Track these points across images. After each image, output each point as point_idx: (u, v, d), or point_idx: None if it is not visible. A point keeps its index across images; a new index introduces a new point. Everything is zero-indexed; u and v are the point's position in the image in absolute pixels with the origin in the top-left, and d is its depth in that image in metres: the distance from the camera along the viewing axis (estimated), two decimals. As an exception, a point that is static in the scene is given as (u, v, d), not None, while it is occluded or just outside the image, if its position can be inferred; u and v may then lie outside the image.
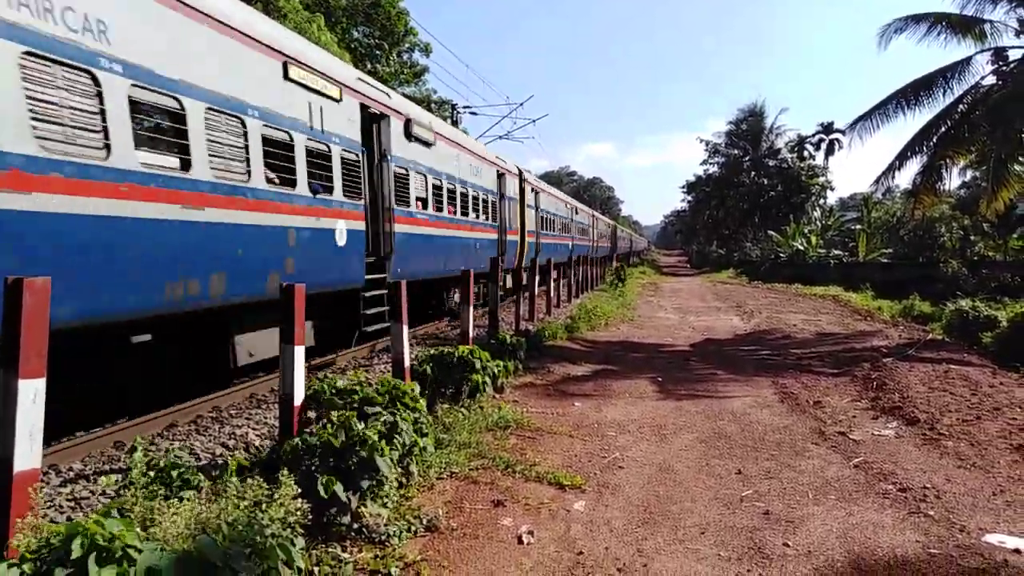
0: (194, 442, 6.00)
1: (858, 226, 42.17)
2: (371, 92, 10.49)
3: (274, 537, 3.03)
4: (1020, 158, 14.55)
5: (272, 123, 7.62)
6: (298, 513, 3.35)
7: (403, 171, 11.51)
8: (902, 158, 16.26)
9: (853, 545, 4.15)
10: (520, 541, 4.18)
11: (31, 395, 3.01)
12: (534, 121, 43.04)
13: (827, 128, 63.60)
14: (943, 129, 15.60)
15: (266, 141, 7.49)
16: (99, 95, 5.35)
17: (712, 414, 7.49)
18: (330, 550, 3.77)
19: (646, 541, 4.21)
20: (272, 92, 7.67)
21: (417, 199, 12.21)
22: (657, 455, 5.99)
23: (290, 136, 8.00)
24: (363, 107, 10.01)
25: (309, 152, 8.41)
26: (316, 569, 3.55)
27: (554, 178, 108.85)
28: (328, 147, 8.91)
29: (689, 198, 71.79)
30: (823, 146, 63.44)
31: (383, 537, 4.04)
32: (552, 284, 18.38)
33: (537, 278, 15.44)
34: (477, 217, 16.27)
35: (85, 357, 6.00)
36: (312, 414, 5.06)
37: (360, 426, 4.32)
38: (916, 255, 35.19)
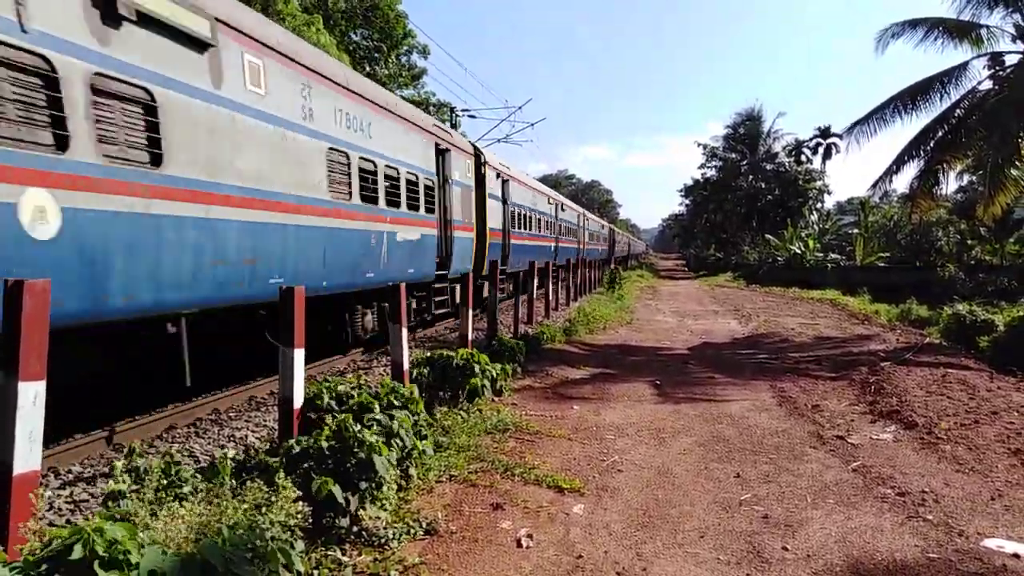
0: (193, 444, 6.00)
1: (855, 230, 42.24)
2: (559, 197, 30.53)
3: (274, 540, 3.02)
4: (1017, 162, 14.58)
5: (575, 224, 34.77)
6: (298, 516, 3.34)
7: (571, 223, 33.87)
8: (899, 162, 16.31)
9: (852, 549, 4.16)
10: (519, 544, 4.18)
11: (31, 397, 3.00)
12: (532, 125, 42.86)
13: (824, 132, 63.81)
14: (940, 134, 15.65)
15: (565, 226, 30.81)
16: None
17: (710, 418, 7.49)
18: (329, 553, 3.77)
19: (645, 545, 4.22)
20: (562, 212, 30.25)
21: (570, 232, 33.03)
22: (656, 459, 6.00)
23: (577, 225, 35.61)
24: (560, 204, 29.38)
25: (575, 228, 33.84)
26: (316, 572, 3.54)
27: (552, 181, 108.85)
28: (577, 227, 35.00)
29: (687, 202, 71.95)
30: (820, 150, 63.64)
31: (382, 540, 4.03)
32: (550, 287, 18.40)
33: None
34: (571, 236, 33.47)
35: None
36: (312, 416, 5.06)
37: (357, 428, 4.32)
38: (913, 259, 35.27)
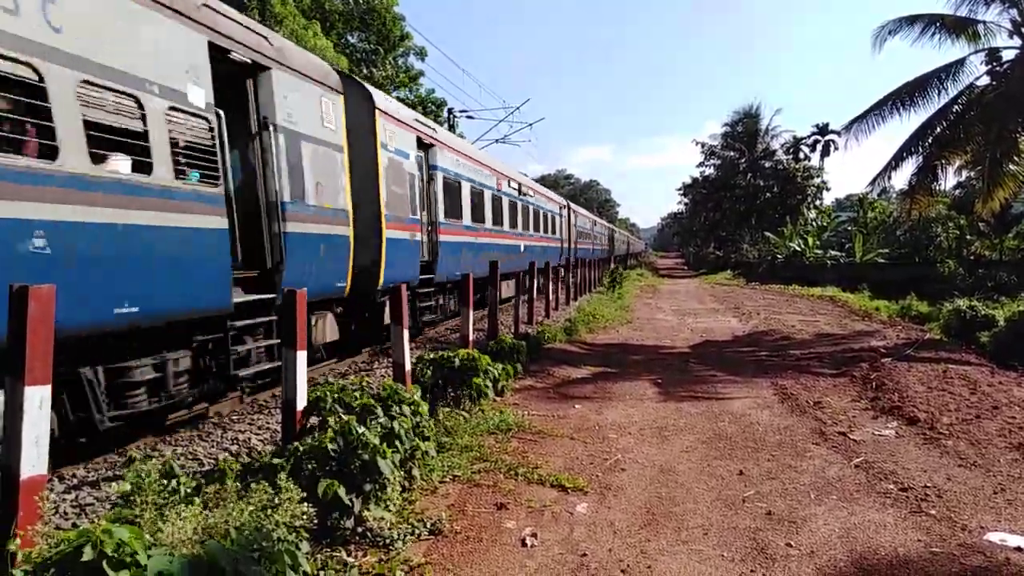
0: (196, 448, 6.01)
1: (853, 227, 42.22)
2: (592, 215, 51.36)
3: (281, 541, 3.04)
4: (1015, 158, 14.60)
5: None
6: (304, 517, 3.35)
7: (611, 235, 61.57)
8: (898, 159, 16.32)
9: (855, 545, 4.18)
10: (524, 544, 4.20)
11: (37, 402, 3.02)
12: (531, 125, 43.13)
13: (822, 129, 63.78)
14: (938, 130, 15.66)
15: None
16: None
17: (712, 415, 7.51)
18: (335, 554, 3.78)
19: (649, 542, 4.23)
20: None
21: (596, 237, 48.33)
22: (658, 457, 6.01)
23: (603, 232, 54.91)
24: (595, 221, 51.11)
25: (602, 235, 52.43)
26: (322, 573, 3.55)
27: (550, 182, 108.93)
28: (603, 233, 53.52)
29: (686, 200, 71.97)
30: (818, 147, 63.63)
31: (387, 541, 4.05)
32: (551, 287, 18.42)
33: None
34: (599, 240, 49.06)
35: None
36: (314, 419, 5.07)
37: (361, 430, 4.34)
38: (913, 255, 35.22)
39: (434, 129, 13.68)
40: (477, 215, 15.89)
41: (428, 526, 4.32)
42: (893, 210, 41.10)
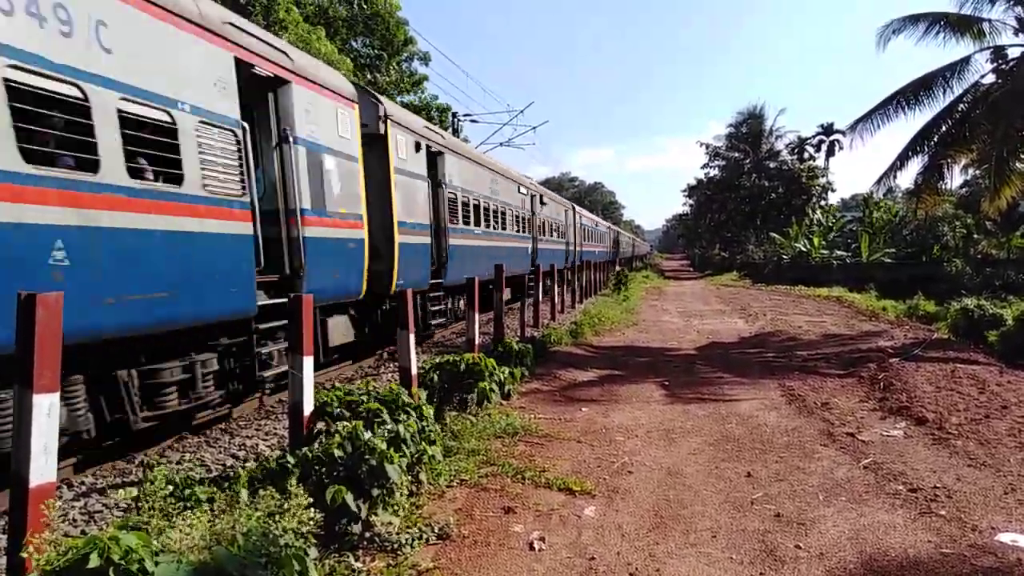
0: (204, 454, 6.02)
1: (859, 227, 42.10)
2: (608, 224, 63.72)
3: (288, 548, 3.04)
4: (1021, 155, 14.54)
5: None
6: (311, 523, 3.35)
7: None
8: (903, 158, 16.27)
9: (865, 546, 4.15)
10: (532, 548, 4.19)
11: (45, 409, 3.03)
12: (535, 128, 43.41)
13: (827, 129, 63.65)
14: (944, 128, 15.62)
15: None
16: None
17: (720, 417, 7.48)
18: (343, 560, 3.78)
19: (658, 545, 4.22)
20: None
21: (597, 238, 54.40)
22: (666, 459, 5.99)
23: (634, 246, 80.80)
24: (617, 236, 63.40)
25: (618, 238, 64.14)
26: (329, 579, 3.56)
27: (555, 184, 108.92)
28: (634, 244, 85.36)
29: (691, 201, 71.86)
30: (823, 147, 63.50)
31: (395, 545, 4.05)
32: (556, 290, 18.41)
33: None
34: (614, 246, 58.58)
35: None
36: (321, 424, 5.07)
37: (368, 435, 4.34)
38: (919, 254, 35.09)
39: (574, 205, 33.03)
40: (587, 239, 34.79)
41: (436, 530, 4.32)
42: (899, 209, 40.97)
